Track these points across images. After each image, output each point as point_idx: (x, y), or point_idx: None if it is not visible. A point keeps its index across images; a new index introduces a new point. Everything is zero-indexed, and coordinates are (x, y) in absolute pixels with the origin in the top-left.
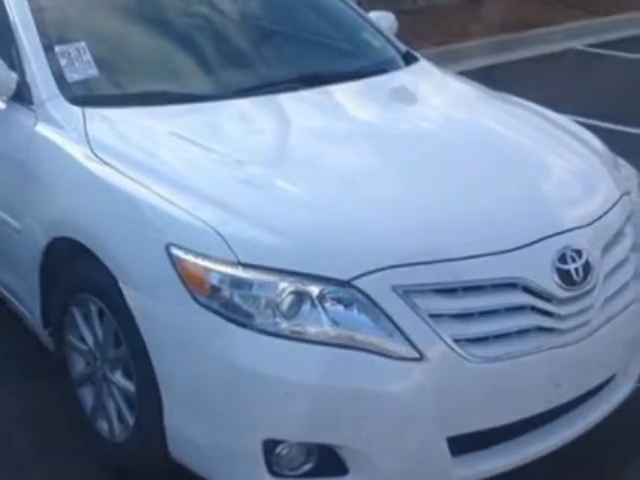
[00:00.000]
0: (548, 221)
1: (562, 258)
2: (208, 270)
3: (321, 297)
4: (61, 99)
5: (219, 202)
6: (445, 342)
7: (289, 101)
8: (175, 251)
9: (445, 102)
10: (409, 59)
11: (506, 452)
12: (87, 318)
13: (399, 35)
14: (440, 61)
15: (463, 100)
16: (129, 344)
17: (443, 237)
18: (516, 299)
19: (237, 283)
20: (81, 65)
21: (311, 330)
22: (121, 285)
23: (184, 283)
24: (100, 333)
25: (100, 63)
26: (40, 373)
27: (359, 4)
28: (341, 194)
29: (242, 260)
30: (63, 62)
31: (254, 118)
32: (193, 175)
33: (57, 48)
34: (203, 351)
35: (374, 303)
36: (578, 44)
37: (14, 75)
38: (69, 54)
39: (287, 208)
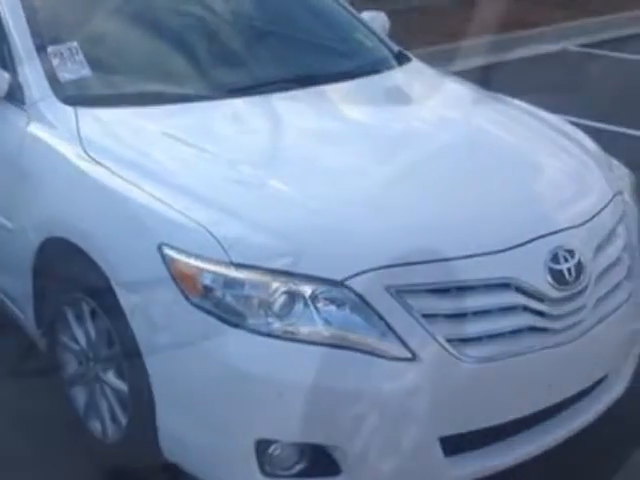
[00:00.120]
0: (540, 221)
1: (555, 258)
2: (200, 270)
3: (314, 297)
4: (53, 99)
5: (212, 202)
6: (438, 342)
7: (282, 101)
8: (168, 251)
9: (438, 102)
10: (402, 59)
11: (499, 452)
12: (80, 318)
13: (392, 35)
14: (433, 61)
15: (456, 100)
16: (121, 344)
17: (436, 237)
18: (509, 299)
19: (229, 283)
20: (73, 65)
21: (304, 330)
22: (114, 285)
23: (176, 283)
24: (93, 333)
25: (93, 63)
26: (34, 373)
27: (352, 4)
28: (334, 194)
29: (234, 260)
30: (55, 62)
31: (247, 118)
32: (185, 175)
33: (49, 48)
34: (196, 351)
35: (367, 303)
36: (570, 44)
37: (6, 75)
38: (61, 54)
39: (280, 208)
